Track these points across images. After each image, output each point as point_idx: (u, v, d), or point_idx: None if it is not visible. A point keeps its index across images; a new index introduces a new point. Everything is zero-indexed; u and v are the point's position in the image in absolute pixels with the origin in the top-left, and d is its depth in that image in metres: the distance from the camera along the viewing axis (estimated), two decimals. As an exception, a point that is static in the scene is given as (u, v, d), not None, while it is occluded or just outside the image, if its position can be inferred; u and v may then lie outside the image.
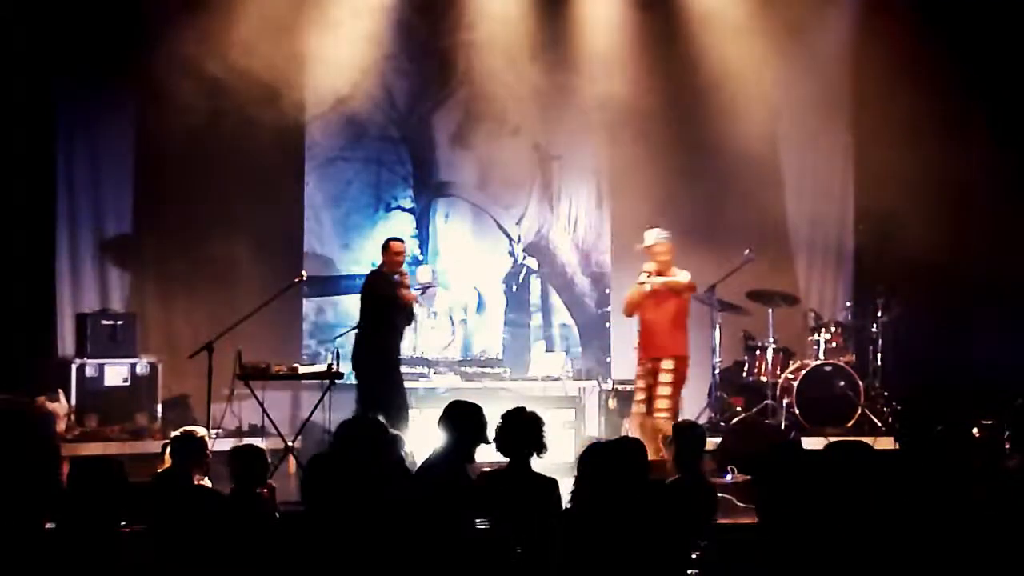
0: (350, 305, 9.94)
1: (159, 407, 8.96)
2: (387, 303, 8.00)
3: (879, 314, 9.42)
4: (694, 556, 4.20)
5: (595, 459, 4.09)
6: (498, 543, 4.53)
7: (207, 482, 5.57)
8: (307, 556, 4.03)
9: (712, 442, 7.47)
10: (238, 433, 8.87)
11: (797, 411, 8.96)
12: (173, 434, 5.52)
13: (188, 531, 4.07)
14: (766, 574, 3.67)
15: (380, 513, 4.18)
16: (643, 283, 7.85)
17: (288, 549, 4.08)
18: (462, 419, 5.01)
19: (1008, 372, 8.67)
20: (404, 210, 10.22)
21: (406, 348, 9.41)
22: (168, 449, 5.42)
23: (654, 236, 7.97)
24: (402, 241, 8.42)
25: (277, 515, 5.01)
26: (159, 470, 5.44)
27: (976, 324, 9.47)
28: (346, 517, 4.00)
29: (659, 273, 7.85)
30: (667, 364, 7.77)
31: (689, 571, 4.11)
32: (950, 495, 3.99)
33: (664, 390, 7.72)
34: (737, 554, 3.85)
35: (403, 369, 8.77)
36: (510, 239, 10.30)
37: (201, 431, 5.48)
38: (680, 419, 7.37)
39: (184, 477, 5.18)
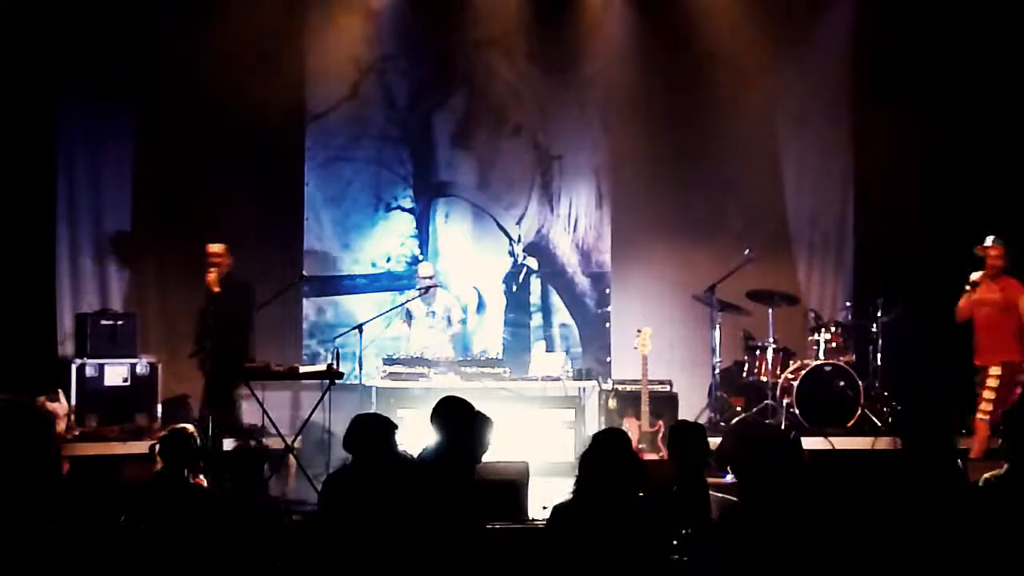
0: (350, 305, 9.98)
1: (159, 407, 8.96)
2: None
3: (879, 314, 9.40)
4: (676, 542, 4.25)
5: (593, 453, 4.13)
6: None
7: (202, 479, 5.55)
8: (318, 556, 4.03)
9: (712, 442, 7.46)
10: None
11: (797, 411, 8.95)
12: (161, 434, 5.47)
13: (182, 530, 4.08)
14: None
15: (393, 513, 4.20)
16: (968, 289, 7.94)
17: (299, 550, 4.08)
18: (455, 416, 5.01)
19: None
20: (404, 210, 10.23)
21: (407, 348, 9.46)
22: (157, 449, 5.34)
23: (989, 240, 8.01)
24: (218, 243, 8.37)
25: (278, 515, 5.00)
26: (153, 470, 5.41)
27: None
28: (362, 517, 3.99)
29: (988, 278, 7.91)
30: (994, 371, 7.91)
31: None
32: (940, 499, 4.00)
33: (988, 394, 7.86)
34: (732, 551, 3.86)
35: (402, 369, 8.81)
36: (510, 239, 10.30)
37: (191, 428, 5.39)
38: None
39: (177, 477, 5.13)
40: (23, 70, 9.04)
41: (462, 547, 4.46)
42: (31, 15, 8.99)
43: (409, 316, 9.39)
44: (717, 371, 9.42)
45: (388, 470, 4.82)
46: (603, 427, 8.83)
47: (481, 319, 10.11)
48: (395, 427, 5.02)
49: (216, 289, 8.14)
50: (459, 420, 4.98)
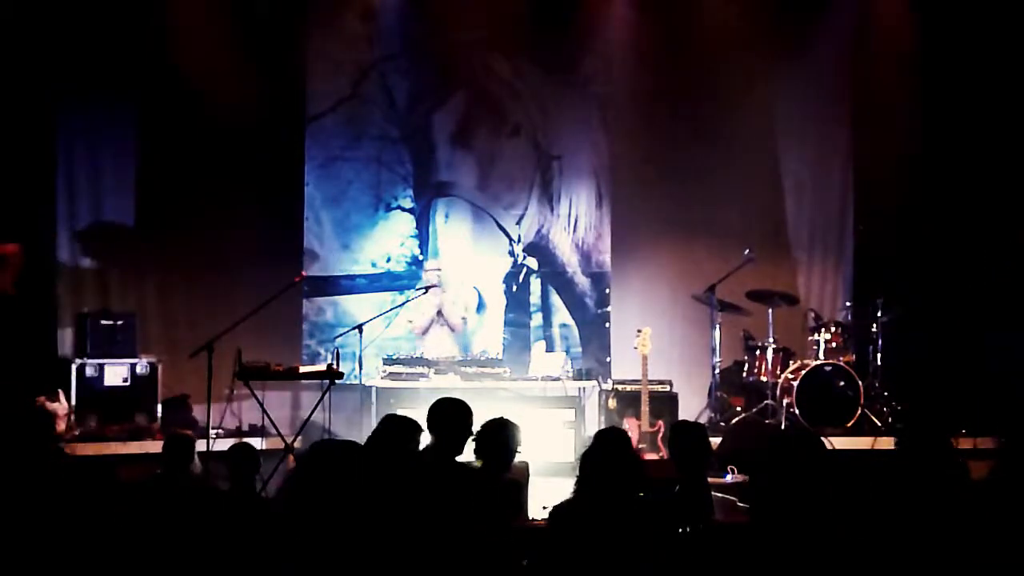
0: (350, 305, 9.98)
1: (159, 407, 8.96)
2: None
3: (879, 314, 9.40)
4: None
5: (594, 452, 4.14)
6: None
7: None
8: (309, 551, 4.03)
9: (712, 442, 7.46)
10: (238, 433, 8.89)
11: (797, 411, 8.95)
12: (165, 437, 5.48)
13: (181, 529, 4.09)
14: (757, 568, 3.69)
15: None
16: None
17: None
18: (446, 418, 5.01)
19: (1009, 373, 8.68)
20: (404, 210, 10.22)
21: (406, 348, 9.46)
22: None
23: None
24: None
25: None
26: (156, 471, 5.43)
27: (977, 325, 9.46)
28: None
29: None
30: None
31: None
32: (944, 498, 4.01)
33: None
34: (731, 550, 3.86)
35: (402, 369, 8.83)
36: (510, 239, 10.30)
37: (190, 432, 5.41)
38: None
39: (175, 479, 5.15)
40: (23, 69, 9.03)
41: (461, 548, 4.46)
42: (31, 15, 8.99)
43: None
44: (717, 371, 9.42)
45: (406, 472, 4.81)
46: (603, 427, 8.85)
47: (481, 319, 10.11)
48: (420, 430, 5.01)
49: (12, 292, 7.95)
50: (450, 422, 4.97)
